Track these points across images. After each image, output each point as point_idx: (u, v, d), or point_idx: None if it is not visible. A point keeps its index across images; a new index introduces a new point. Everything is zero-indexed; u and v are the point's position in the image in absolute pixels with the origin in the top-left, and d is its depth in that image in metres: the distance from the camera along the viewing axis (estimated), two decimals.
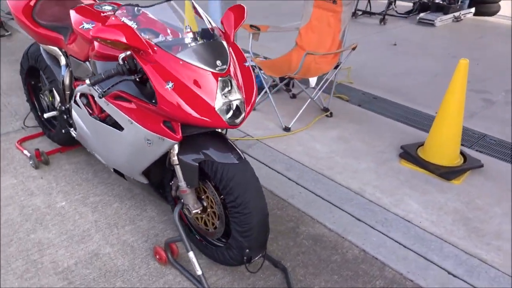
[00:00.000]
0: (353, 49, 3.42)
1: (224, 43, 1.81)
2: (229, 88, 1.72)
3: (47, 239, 2.24)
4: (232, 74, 1.75)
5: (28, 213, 2.42)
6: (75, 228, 2.32)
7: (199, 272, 1.94)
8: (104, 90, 1.76)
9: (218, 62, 1.70)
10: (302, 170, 2.88)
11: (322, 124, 3.47)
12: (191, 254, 1.94)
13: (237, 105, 1.74)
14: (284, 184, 2.74)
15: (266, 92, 3.45)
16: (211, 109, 1.66)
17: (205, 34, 1.87)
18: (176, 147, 1.84)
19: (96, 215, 2.42)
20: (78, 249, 2.18)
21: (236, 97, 1.73)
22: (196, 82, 1.66)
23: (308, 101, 3.42)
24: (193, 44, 1.74)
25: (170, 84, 1.63)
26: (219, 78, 1.68)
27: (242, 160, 1.79)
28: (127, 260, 2.13)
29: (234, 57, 1.82)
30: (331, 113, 3.61)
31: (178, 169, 1.87)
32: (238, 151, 1.82)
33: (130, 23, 1.77)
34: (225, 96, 1.70)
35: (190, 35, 1.83)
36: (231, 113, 1.73)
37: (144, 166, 1.97)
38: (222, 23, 1.93)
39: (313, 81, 3.39)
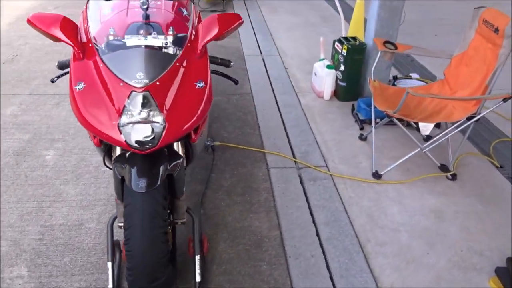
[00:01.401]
0: (505, 100, 2.40)
1: (175, 54, 1.53)
2: (150, 107, 1.47)
3: (66, 194, 2.48)
4: (161, 91, 1.47)
5: (79, 166, 2.73)
6: (93, 194, 2.49)
7: (110, 286, 1.81)
8: (55, 77, 1.77)
9: (139, 75, 1.46)
10: (341, 232, 2.26)
11: (429, 185, 2.63)
12: (108, 265, 1.82)
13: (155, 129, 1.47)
14: (305, 239, 2.22)
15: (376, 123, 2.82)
16: (112, 124, 1.46)
17: (176, 41, 1.63)
18: (117, 151, 1.72)
19: None
20: (75, 214, 2.34)
21: (154, 119, 1.47)
22: (108, 91, 1.47)
23: (416, 150, 2.62)
24: (128, 49, 1.54)
25: (81, 85, 1.50)
26: (133, 93, 1.45)
27: (150, 192, 1.52)
28: (92, 242, 2.17)
29: (181, 74, 1.53)
30: (453, 175, 2.68)
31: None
32: (158, 180, 1.55)
33: (95, 14, 1.69)
34: (140, 114, 1.46)
35: (168, 39, 1.64)
36: (151, 136, 1.48)
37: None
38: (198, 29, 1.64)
39: (426, 128, 2.54)
